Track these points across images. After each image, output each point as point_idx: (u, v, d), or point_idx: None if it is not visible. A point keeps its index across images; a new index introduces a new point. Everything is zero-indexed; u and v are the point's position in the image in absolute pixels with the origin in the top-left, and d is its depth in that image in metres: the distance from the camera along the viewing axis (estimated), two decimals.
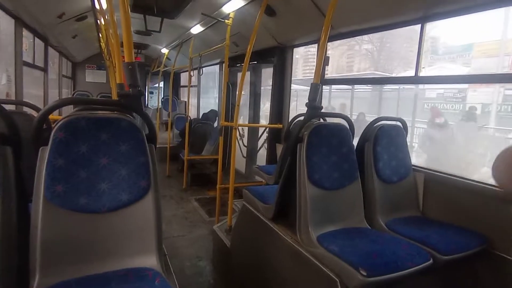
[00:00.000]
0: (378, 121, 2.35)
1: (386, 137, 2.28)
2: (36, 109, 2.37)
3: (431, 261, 1.63)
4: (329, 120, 2.60)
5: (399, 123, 2.42)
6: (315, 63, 2.14)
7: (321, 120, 2.58)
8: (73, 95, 7.58)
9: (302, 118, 2.36)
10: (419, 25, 2.33)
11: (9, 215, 1.25)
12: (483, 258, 1.87)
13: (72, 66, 8.18)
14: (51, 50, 5.26)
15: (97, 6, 3.11)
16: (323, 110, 2.49)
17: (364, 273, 1.45)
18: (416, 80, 2.45)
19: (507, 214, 1.77)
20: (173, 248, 3.35)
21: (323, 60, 2.18)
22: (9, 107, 1.57)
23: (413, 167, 2.37)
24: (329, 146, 2.03)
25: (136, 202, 1.43)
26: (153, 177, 1.48)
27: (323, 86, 3.32)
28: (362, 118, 7.54)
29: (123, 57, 1.60)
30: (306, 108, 2.10)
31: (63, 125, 1.33)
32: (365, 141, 2.28)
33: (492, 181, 1.94)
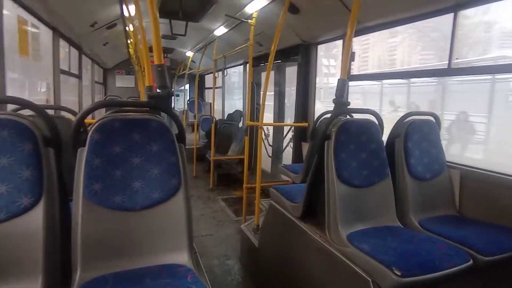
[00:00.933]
0: (408, 116, 2.26)
1: (418, 133, 2.19)
2: (73, 113, 2.49)
3: (471, 262, 1.54)
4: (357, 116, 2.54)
5: (431, 118, 2.32)
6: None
7: (348, 117, 2.53)
8: (105, 99, 7.90)
9: (328, 115, 2.33)
10: (452, 14, 2.22)
11: (52, 213, 1.32)
12: None
13: (103, 73, 8.52)
14: (84, 58, 5.50)
15: (126, 14, 3.22)
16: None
17: (399, 273, 1.40)
18: (448, 72, 2.34)
19: None
20: (202, 246, 3.40)
21: (349, 56, 2.13)
22: (49, 112, 1.66)
23: (448, 163, 2.26)
24: (357, 143, 1.98)
25: (168, 200, 1.47)
26: (183, 176, 1.51)
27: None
28: (465, 118, 5.72)
29: (152, 61, 1.65)
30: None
31: (99, 126, 1.39)
32: (395, 137, 2.20)
33: None
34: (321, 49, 3.88)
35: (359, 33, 2.88)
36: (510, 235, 1.76)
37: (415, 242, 1.68)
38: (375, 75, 3.42)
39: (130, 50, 4.81)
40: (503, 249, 1.65)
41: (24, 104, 1.53)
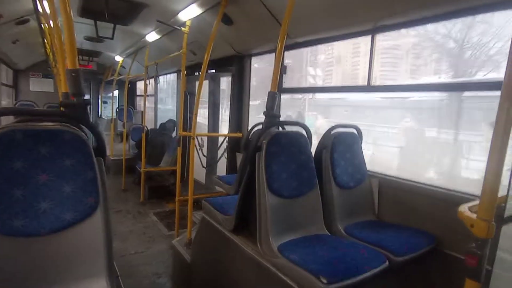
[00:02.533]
0: (334, 129, 2.41)
1: (343, 144, 2.34)
2: None
3: (387, 263, 1.67)
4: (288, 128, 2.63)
5: (354, 130, 2.50)
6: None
7: (280, 129, 2.59)
8: (15, 104, 6.98)
9: (261, 126, 2.36)
10: (370, 37, 2.44)
11: None
12: (434, 257, 1.97)
13: (14, 74, 7.55)
14: None
15: (40, 9, 2.89)
16: None
17: (325, 281, 1.45)
18: (368, 89, 2.55)
19: (454, 214, 1.89)
20: (129, 266, 3.15)
21: (280, 69, 2.19)
22: None
23: (368, 172, 2.45)
24: (288, 154, 2.03)
25: (83, 221, 1.31)
26: (102, 193, 1.37)
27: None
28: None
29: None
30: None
31: None
32: (323, 149, 2.32)
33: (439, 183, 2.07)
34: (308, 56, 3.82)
35: (290, 47, 3.00)
36: (420, 236, 1.97)
37: (341, 248, 1.77)
38: (306, 88, 3.60)
39: (47, 50, 4.33)
40: (414, 249, 1.83)
41: None
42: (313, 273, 1.50)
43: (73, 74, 1.39)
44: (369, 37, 2.44)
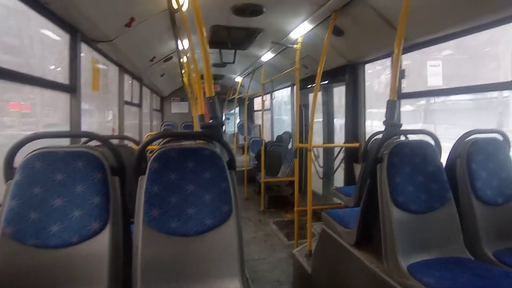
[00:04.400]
0: (470, 135, 2.10)
1: (482, 153, 2.01)
2: (135, 142, 2.74)
3: None
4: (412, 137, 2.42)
5: (498, 136, 2.12)
6: None
7: (402, 138, 2.42)
8: (161, 125, 8.48)
9: (380, 136, 2.25)
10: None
11: (116, 235, 1.45)
12: None
13: (161, 100, 9.20)
14: (144, 88, 6.02)
15: (180, 47, 3.50)
16: None
17: None
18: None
19: None
20: (254, 271, 3.39)
21: (398, 74, 2.07)
22: (113, 141, 1.87)
23: None
24: (412, 165, 1.88)
25: (219, 226, 1.53)
26: (234, 202, 1.57)
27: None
28: None
29: (203, 88, 1.77)
30: None
31: (157, 156, 1.52)
32: (456, 158, 2.04)
33: None
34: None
35: (407, 50, 2.79)
36: None
37: (491, 277, 1.50)
38: (429, 92, 3.24)
39: (184, 79, 5.17)
40: None
41: (93, 137, 1.74)
42: None
43: (210, 101, 1.65)
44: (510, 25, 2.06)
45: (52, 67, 3.21)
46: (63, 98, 2.60)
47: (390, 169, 1.84)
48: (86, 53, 2.99)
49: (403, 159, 1.87)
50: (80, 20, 2.38)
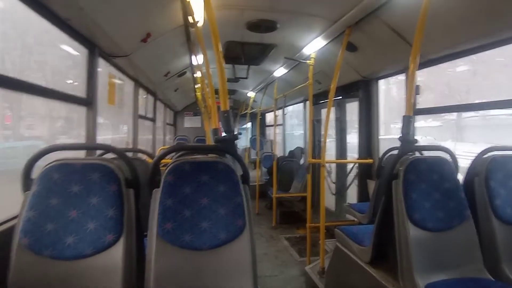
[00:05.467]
0: (488, 152, 2.04)
1: (502, 170, 1.95)
2: (149, 155, 2.77)
3: None
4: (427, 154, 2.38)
5: None
6: None
7: (417, 154, 2.37)
8: (174, 139, 8.58)
9: (395, 152, 2.22)
10: None
11: (130, 248, 1.45)
12: None
13: (174, 115, 9.34)
14: (158, 103, 6.13)
15: (194, 63, 3.58)
16: None
17: None
18: None
19: None
20: None
21: (413, 91, 2.05)
22: (128, 154, 1.90)
23: None
24: (429, 182, 1.84)
25: (233, 240, 1.51)
26: (248, 217, 1.55)
27: None
28: None
29: (217, 103, 1.78)
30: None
31: (172, 169, 1.53)
32: (475, 176, 1.99)
33: None
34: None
35: (422, 66, 2.77)
36: None
37: None
38: (444, 108, 3.19)
39: (197, 94, 5.24)
40: None
41: (109, 149, 1.77)
42: None
43: (225, 115, 1.66)
44: None
45: (70, 81, 3.31)
46: (57, 107, 2.62)
47: (406, 185, 1.81)
48: (103, 67, 3.08)
49: (419, 176, 1.84)
50: (99, 35, 2.46)
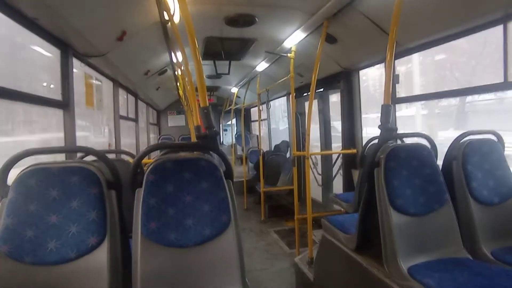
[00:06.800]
0: (465, 136, 2.11)
1: (477, 154, 2.02)
2: (132, 155, 2.72)
3: None
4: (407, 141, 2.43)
5: (491, 137, 2.13)
6: None
7: (398, 142, 2.42)
8: (159, 139, 8.48)
9: (376, 141, 2.26)
10: (501, 26, 2.09)
11: (114, 249, 1.43)
12: None
13: (157, 114, 9.22)
14: (140, 103, 6.03)
15: (174, 60, 3.53)
16: None
17: None
18: (505, 86, 2.16)
19: None
20: (256, 282, 3.35)
21: (392, 79, 2.09)
22: (110, 155, 1.86)
23: None
24: (409, 169, 1.88)
25: (219, 236, 1.51)
26: (233, 211, 1.56)
27: None
28: None
29: (198, 100, 1.77)
30: None
31: (153, 168, 1.51)
32: (452, 160, 2.05)
33: None
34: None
35: (399, 55, 2.82)
36: None
37: (489, 275, 1.51)
38: (422, 96, 3.26)
39: (179, 92, 5.19)
40: None
41: (88, 151, 1.73)
42: None
43: (205, 111, 1.64)
44: (499, 27, 2.09)
45: (44, 84, 3.20)
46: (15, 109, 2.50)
47: (387, 173, 1.84)
48: (79, 68, 3.00)
49: (399, 163, 1.88)
50: (71, 35, 2.39)
